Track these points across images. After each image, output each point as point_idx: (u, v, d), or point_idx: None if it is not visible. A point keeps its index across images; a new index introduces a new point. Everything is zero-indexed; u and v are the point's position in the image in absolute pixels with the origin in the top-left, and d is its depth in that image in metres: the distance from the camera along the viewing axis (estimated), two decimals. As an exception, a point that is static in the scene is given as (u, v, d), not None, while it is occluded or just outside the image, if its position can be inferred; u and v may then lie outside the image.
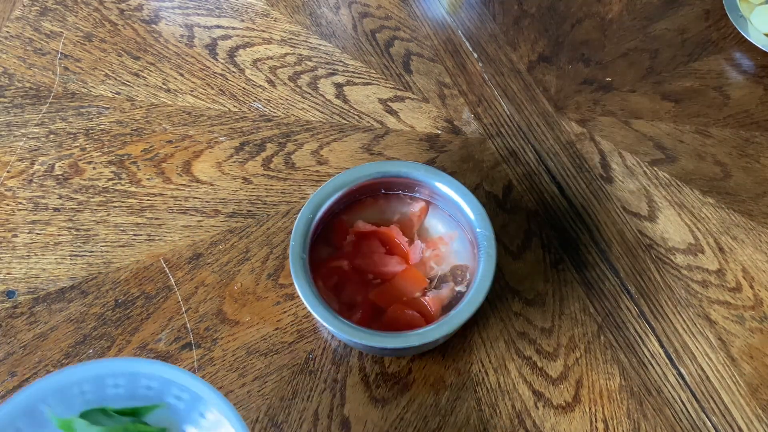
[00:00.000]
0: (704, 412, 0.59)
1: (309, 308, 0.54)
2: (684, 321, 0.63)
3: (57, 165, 0.70)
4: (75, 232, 0.66)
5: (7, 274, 0.64)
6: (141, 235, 0.66)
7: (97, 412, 0.44)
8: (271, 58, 0.79)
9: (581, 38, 0.82)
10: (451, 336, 0.60)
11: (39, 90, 0.75)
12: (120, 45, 0.79)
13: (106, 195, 0.69)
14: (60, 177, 0.69)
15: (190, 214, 0.68)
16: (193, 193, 0.69)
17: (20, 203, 0.68)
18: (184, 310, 0.62)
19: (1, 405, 0.43)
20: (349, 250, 0.61)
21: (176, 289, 0.63)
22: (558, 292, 0.64)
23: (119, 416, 0.44)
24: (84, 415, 0.43)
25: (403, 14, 0.84)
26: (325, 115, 0.75)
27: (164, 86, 0.76)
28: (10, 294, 0.63)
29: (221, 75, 0.77)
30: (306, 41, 0.81)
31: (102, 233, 0.66)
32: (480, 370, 0.60)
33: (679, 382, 0.60)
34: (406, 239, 0.61)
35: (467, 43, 0.82)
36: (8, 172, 0.70)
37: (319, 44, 0.81)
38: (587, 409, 0.59)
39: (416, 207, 0.63)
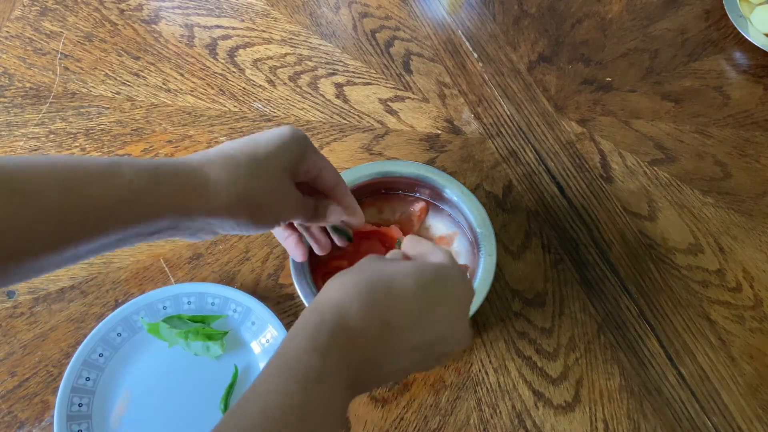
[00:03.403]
0: (704, 412, 0.59)
1: (309, 308, 0.54)
2: (684, 321, 0.63)
3: (57, 165, 0.70)
4: (75, 232, 0.66)
5: (7, 274, 0.64)
6: (141, 235, 0.66)
7: (175, 318, 0.59)
8: (271, 58, 0.79)
9: (581, 38, 0.82)
10: (451, 336, 0.60)
11: (39, 90, 0.75)
12: (120, 45, 0.79)
13: (106, 195, 0.68)
14: (60, 177, 0.69)
15: (190, 214, 0.68)
16: (193, 193, 0.69)
17: (20, 203, 0.68)
18: (184, 310, 0.62)
19: (106, 317, 0.59)
20: (349, 250, 0.61)
21: (176, 289, 0.63)
22: (558, 292, 0.64)
23: (192, 322, 0.60)
24: (166, 320, 0.59)
25: (403, 14, 0.84)
26: (325, 115, 0.75)
27: (164, 86, 0.76)
28: (10, 294, 0.63)
29: (221, 75, 0.77)
30: (306, 41, 0.81)
31: (102, 233, 0.66)
32: (480, 370, 0.60)
33: (679, 382, 0.60)
34: (406, 239, 0.61)
35: (467, 43, 0.82)
36: (8, 172, 0.70)
37: (319, 44, 0.81)
38: (587, 409, 0.59)
39: (416, 207, 0.63)
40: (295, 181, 0.48)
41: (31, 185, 0.35)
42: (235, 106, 0.75)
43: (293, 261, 0.56)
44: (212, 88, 0.76)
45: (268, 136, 0.46)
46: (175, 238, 0.43)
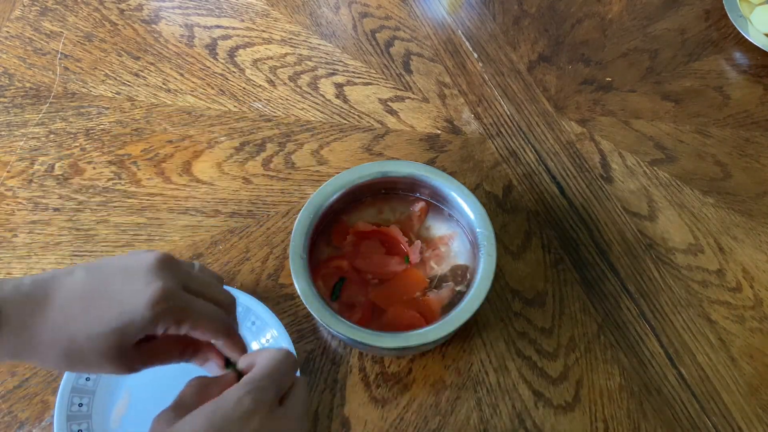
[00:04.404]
0: (704, 412, 0.59)
1: (309, 308, 0.54)
2: (684, 321, 0.63)
3: (57, 165, 0.70)
4: (75, 232, 0.66)
5: (8, 274, 0.64)
6: (141, 235, 0.66)
7: None
8: (271, 58, 0.79)
9: (581, 38, 0.82)
10: (451, 336, 0.60)
11: (39, 90, 0.75)
12: (120, 45, 0.79)
13: (106, 195, 0.69)
14: (60, 177, 0.69)
15: (191, 214, 0.68)
16: (193, 193, 0.69)
17: (20, 203, 0.68)
18: (184, 310, 0.62)
19: None
20: (349, 250, 0.61)
21: (176, 289, 0.63)
22: (558, 292, 0.64)
23: None
24: None
25: (403, 14, 0.84)
26: (325, 115, 0.75)
27: (164, 86, 0.76)
28: (10, 294, 0.63)
29: (221, 75, 0.77)
30: (306, 41, 0.81)
31: (102, 233, 0.66)
32: (480, 370, 0.60)
33: (679, 382, 0.60)
34: (406, 239, 0.61)
35: (467, 43, 0.82)
36: (8, 172, 0.70)
37: (319, 44, 0.81)
38: (587, 409, 0.59)
39: (416, 207, 0.63)
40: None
41: None
42: (235, 106, 0.75)
43: (293, 261, 0.56)
44: (212, 88, 0.76)
45: (101, 316, 0.40)
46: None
